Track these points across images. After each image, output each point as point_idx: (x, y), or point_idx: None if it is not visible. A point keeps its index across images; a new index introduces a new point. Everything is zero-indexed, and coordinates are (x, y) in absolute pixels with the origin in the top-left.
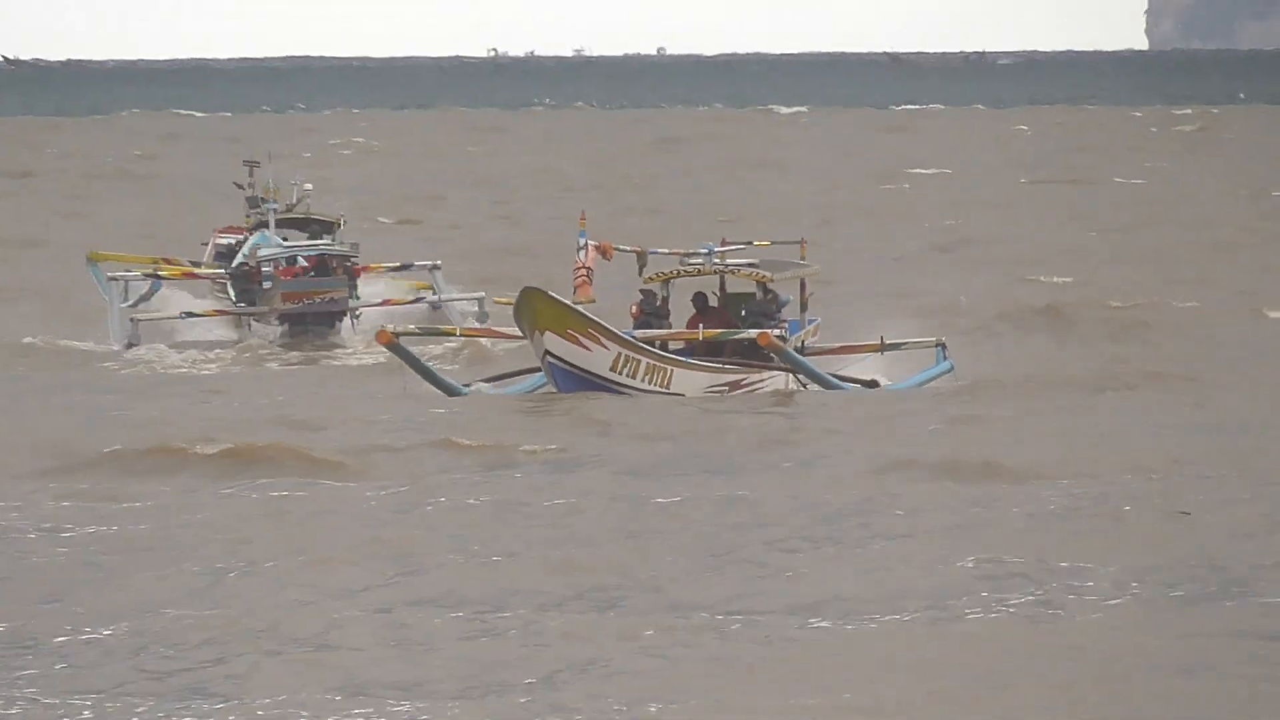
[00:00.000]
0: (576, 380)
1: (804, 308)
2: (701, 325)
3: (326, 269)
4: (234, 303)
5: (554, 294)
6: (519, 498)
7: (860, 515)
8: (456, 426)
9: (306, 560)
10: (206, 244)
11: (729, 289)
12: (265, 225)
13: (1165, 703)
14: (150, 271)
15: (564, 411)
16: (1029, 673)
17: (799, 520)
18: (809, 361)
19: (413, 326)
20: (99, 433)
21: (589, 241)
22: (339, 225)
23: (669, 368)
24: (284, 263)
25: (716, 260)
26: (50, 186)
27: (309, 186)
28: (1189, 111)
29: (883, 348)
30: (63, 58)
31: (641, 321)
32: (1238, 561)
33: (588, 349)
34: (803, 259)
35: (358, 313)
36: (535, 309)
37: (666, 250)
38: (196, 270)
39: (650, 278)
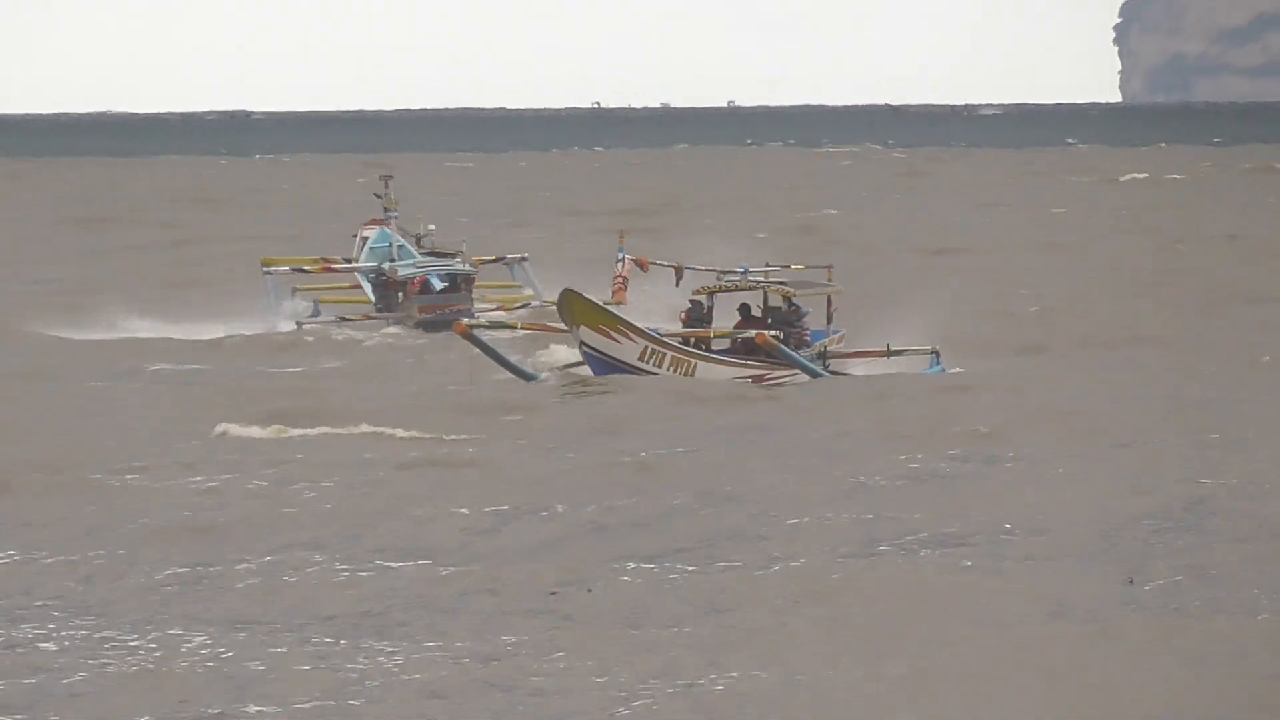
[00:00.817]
0: (609, 367)
1: (829, 320)
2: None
3: (456, 286)
4: (374, 305)
5: (587, 295)
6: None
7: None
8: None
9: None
10: (355, 235)
11: (770, 302)
12: (403, 230)
13: None
14: (314, 268)
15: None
16: None
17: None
18: (800, 357)
19: (483, 320)
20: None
21: (626, 255)
22: (459, 254)
23: (694, 361)
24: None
25: (751, 277)
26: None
27: (432, 228)
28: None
29: (889, 354)
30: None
31: (688, 325)
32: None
33: (617, 341)
34: (829, 280)
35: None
36: (572, 307)
37: (704, 267)
38: (335, 268)
39: (698, 290)
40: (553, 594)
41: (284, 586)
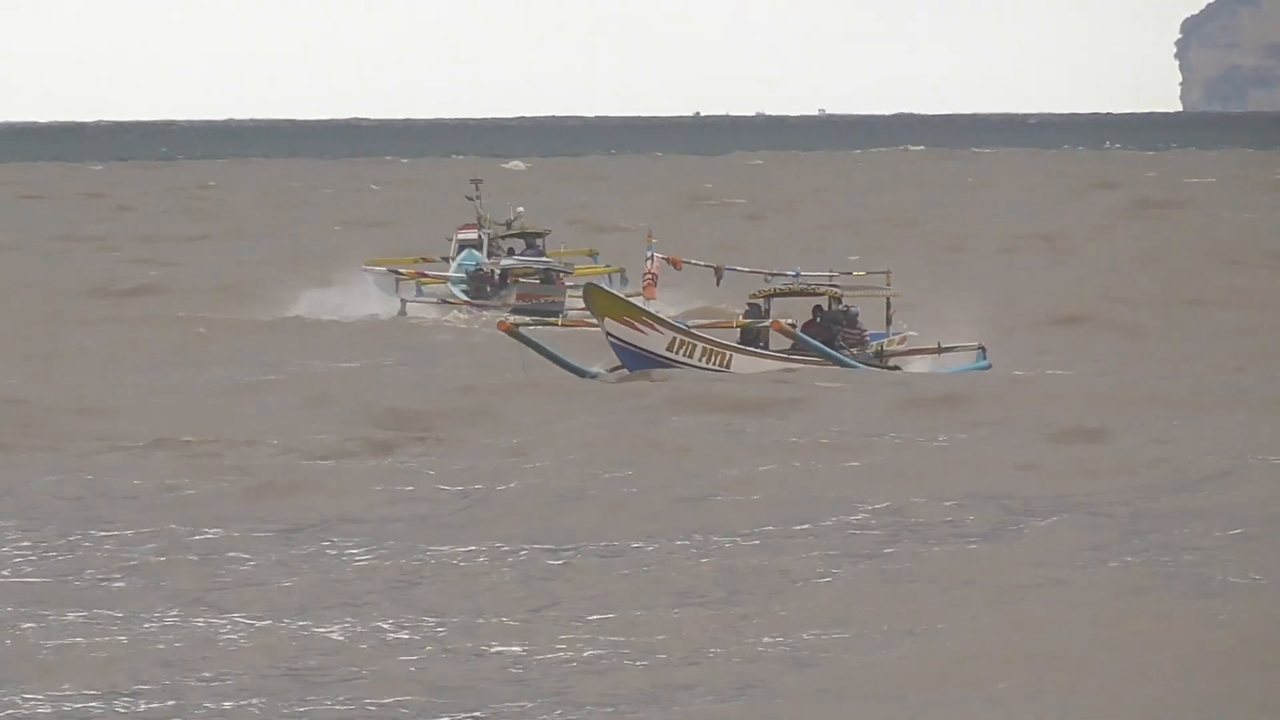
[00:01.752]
0: (639, 358)
1: (888, 322)
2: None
3: (550, 279)
4: (468, 297)
5: (608, 288)
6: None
7: None
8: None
9: None
10: (450, 239)
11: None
12: (498, 239)
13: None
14: (409, 271)
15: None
16: None
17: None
18: (823, 346)
19: (527, 319)
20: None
21: (656, 254)
22: (546, 234)
23: (728, 353)
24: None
25: (802, 280)
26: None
27: (521, 209)
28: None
29: (939, 350)
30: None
31: (744, 327)
32: None
33: (643, 332)
34: (888, 284)
35: (567, 311)
36: (596, 301)
37: (748, 269)
38: (427, 273)
39: (755, 294)
40: None
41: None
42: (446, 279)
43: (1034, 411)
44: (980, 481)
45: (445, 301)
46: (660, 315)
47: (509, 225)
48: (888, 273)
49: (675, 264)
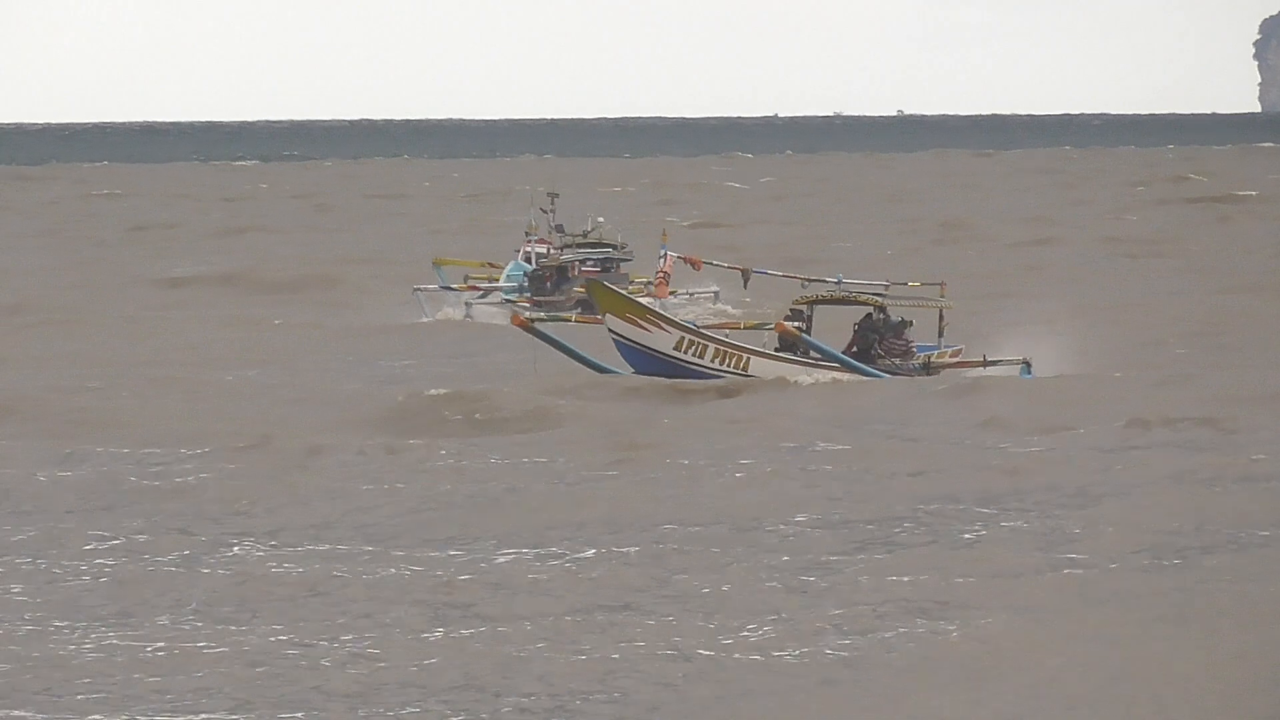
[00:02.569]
0: (644, 358)
1: (940, 334)
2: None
3: (609, 269)
4: (531, 297)
5: (610, 285)
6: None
7: None
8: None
9: None
10: (518, 251)
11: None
12: (568, 246)
13: None
14: (480, 274)
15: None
16: None
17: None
18: (833, 350)
19: (542, 314)
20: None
21: (669, 252)
22: (620, 245)
23: (745, 355)
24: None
25: (844, 287)
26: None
27: (601, 219)
28: None
29: (985, 364)
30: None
31: (798, 337)
32: None
33: (647, 330)
34: (942, 296)
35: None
36: (598, 296)
37: (780, 273)
38: (479, 286)
39: (798, 300)
40: None
41: None
42: (498, 289)
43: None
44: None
45: (509, 301)
46: (667, 314)
47: (585, 235)
48: (941, 284)
49: (694, 264)
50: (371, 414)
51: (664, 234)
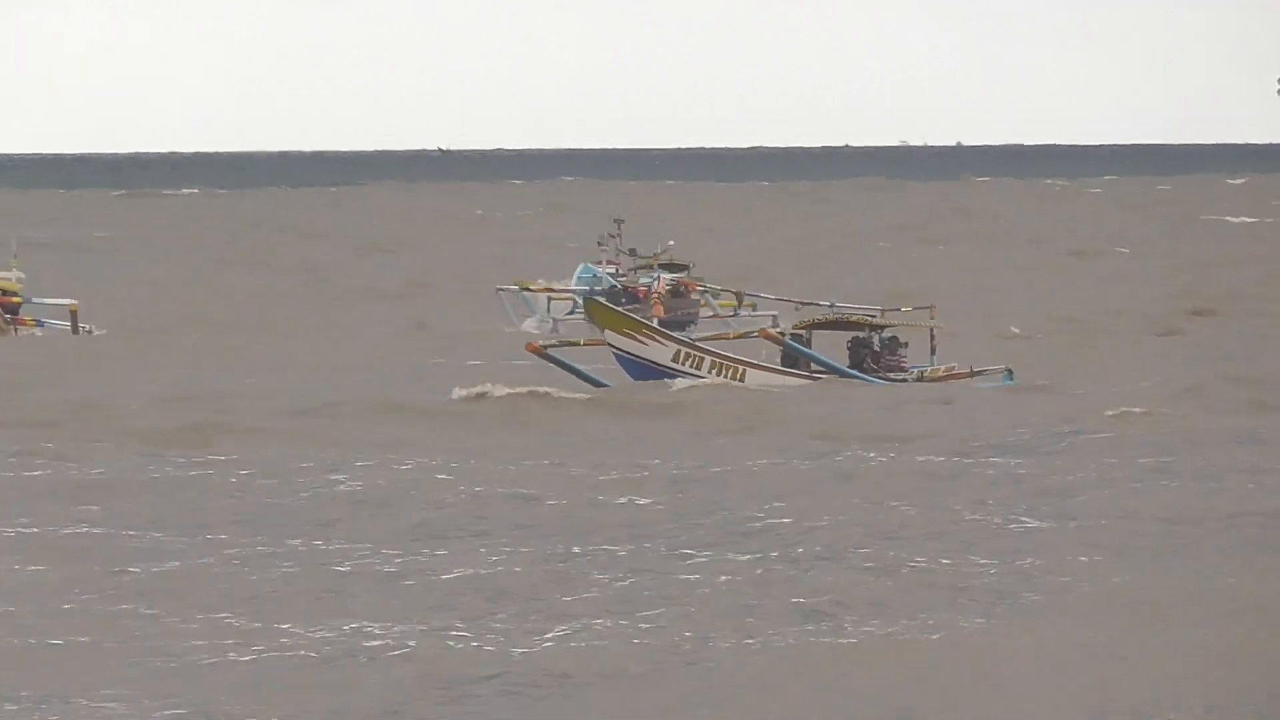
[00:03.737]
0: (642, 369)
1: (933, 352)
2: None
3: (679, 293)
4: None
5: (606, 303)
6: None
7: None
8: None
9: None
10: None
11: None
12: (642, 267)
13: None
14: (537, 287)
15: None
16: None
17: None
18: (820, 355)
19: (554, 339)
20: None
21: (662, 274)
22: (690, 267)
23: (741, 366)
24: (654, 283)
25: (837, 310)
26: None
27: (672, 243)
28: None
29: (972, 374)
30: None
31: (786, 344)
32: None
33: (644, 343)
34: (931, 318)
35: (696, 320)
36: (595, 314)
37: (774, 296)
38: (554, 288)
39: (798, 324)
40: None
41: None
42: (572, 293)
43: None
44: None
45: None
46: (663, 329)
47: (656, 257)
48: (931, 307)
49: (689, 287)
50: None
51: (654, 258)
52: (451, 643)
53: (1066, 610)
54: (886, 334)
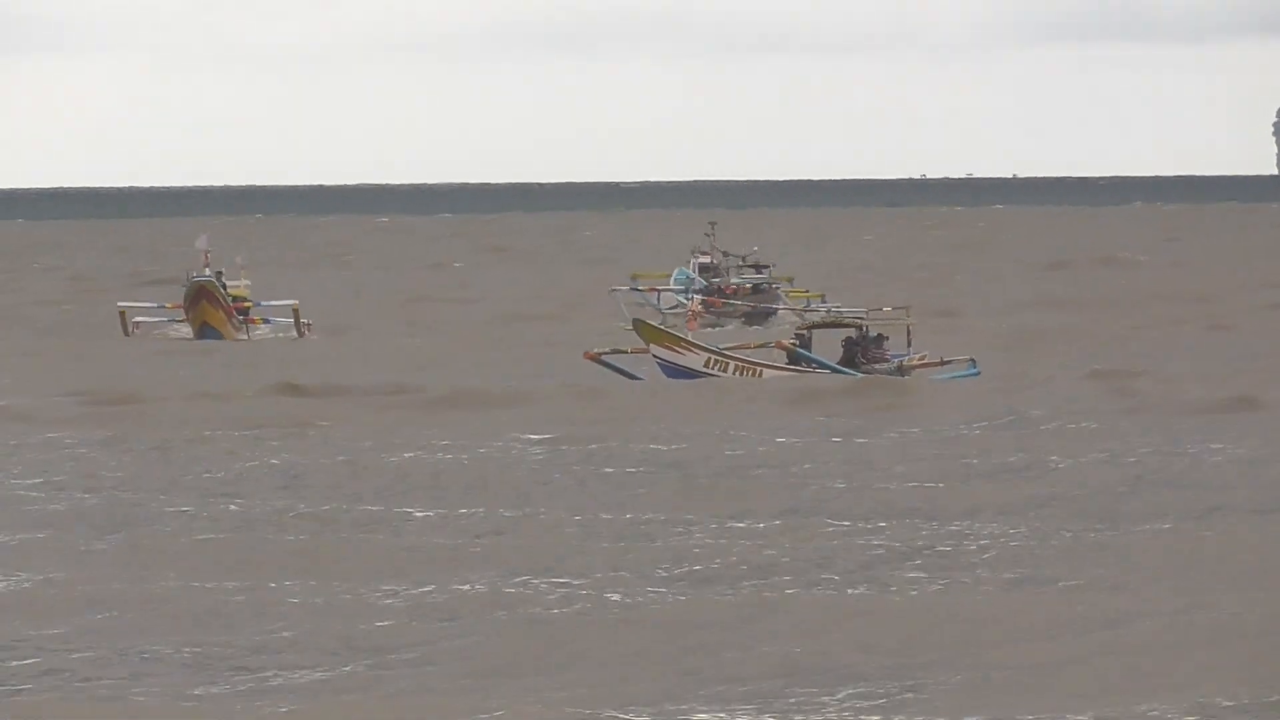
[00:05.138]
0: (676, 372)
1: (909, 344)
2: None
3: (761, 290)
4: (705, 298)
5: (651, 323)
6: None
7: None
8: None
9: None
10: (687, 263)
11: (868, 333)
12: (707, 268)
13: None
14: (646, 286)
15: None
16: None
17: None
18: (818, 357)
19: (607, 348)
20: None
21: (696, 294)
22: (771, 267)
23: (760, 369)
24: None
25: (833, 313)
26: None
27: (756, 248)
28: None
29: (941, 362)
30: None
31: (791, 354)
32: None
33: (682, 353)
34: (907, 316)
35: (776, 314)
36: (643, 333)
37: (783, 306)
38: (657, 287)
39: (801, 326)
40: None
41: None
42: (671, 290)
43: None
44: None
45: (681, 303)
46: (696, 341)
47: (744, 259)
48: (907, 308)
49: (715, 304)
50: None
51: (743, 258)
52: None
53: None
54: (873, 332)
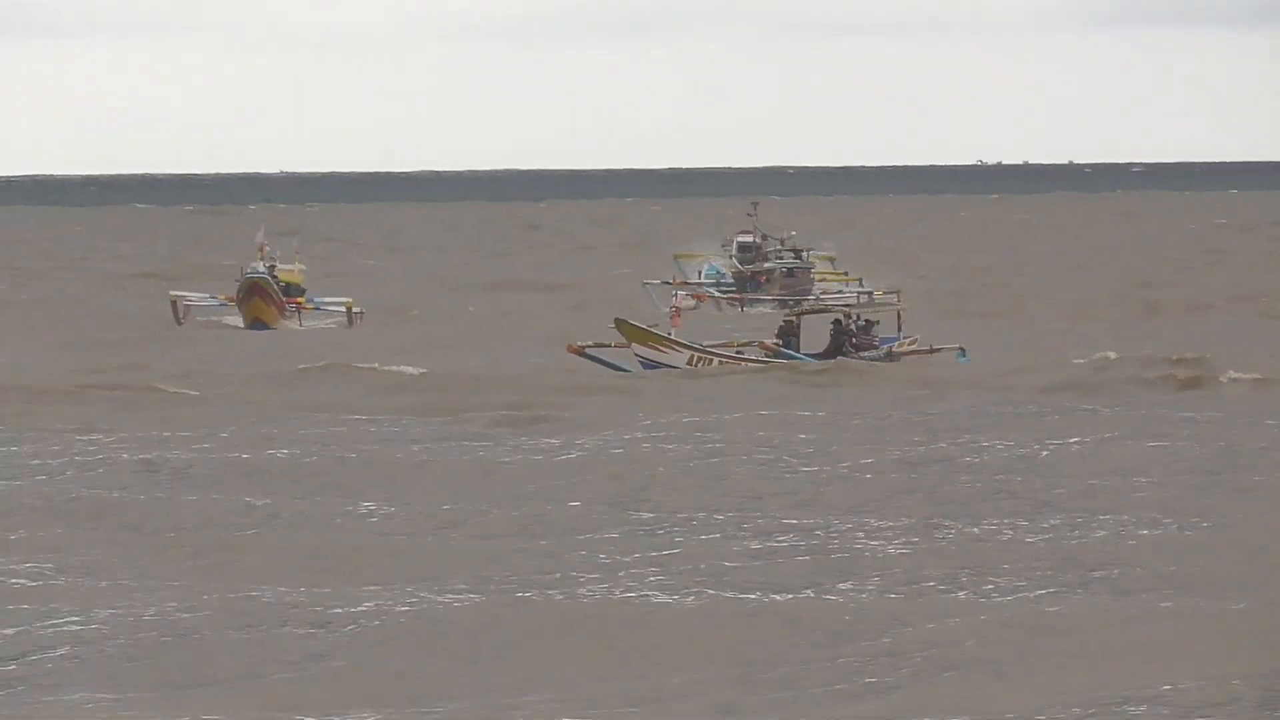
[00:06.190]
0: (653, 366)
1: (899, 328)
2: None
3: (793, 274)
4: (739, 293)
5: (633, 322)
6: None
7: None
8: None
9: None
10: (728, 243)
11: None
12: (769, 249)
13: None
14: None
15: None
16: None
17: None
18: (794, 353)
19: (591, 341)
20: None
21: (679, 293)
22: (808, 250)
23: (742, 363)
24: (777, 269)
25: (823, 301)
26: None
27: (794, 233)
28: None
29: (931, 350)
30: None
31: (780, 340)
32: None
33: (664, 352)
34: (898, 301)
35: (810, 297)
36: (625, 332)
37: (771, 297)
38: (689, 283)
39: (789, 313)
40: None
41: None
42: (703, 284)
43: None
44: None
45: (714, 297)
46: (678, 340)
47: (782, 242)
48: (898, 292)
49: (701, 299)
50: None
51: (675, 278)
52: None
53: None
54: (861, 319)
